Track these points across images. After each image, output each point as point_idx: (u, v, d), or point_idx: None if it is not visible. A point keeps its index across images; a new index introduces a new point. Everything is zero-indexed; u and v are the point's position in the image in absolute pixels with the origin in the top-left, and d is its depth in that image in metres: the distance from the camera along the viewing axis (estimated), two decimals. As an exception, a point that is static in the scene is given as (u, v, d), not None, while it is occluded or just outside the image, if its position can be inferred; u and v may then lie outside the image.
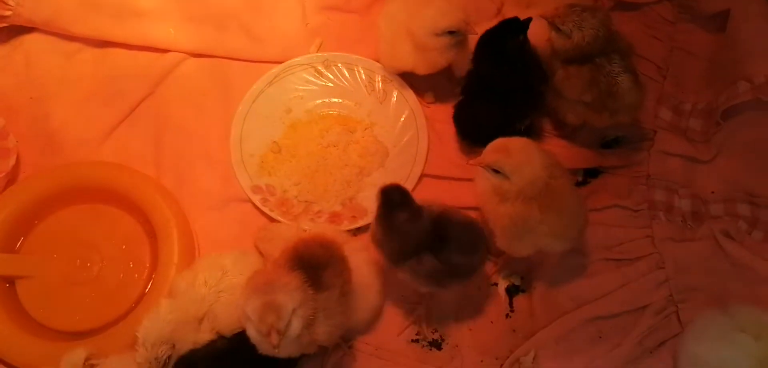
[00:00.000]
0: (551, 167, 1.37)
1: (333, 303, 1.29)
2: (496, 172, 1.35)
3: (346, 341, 1.51)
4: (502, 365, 1.51)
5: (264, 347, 1.23)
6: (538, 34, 1.57)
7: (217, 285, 1.43)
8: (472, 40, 1.61)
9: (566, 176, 1.43)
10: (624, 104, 1.55)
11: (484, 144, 1.39)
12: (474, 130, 1.65)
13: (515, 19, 1.53)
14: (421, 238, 1.34)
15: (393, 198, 1.33)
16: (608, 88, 1.53)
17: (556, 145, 1.74)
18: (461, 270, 1.39)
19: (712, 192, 1.69)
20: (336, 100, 1.80)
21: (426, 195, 1.66)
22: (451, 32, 1.59)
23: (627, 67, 1.55)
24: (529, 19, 1.52)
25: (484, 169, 1.37)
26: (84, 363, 1.35)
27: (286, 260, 1.30)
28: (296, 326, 1.20)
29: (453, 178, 1.69)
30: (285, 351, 1.26)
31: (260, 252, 1.55)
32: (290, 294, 1.19)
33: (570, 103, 1.60)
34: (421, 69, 1.71)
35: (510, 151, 1.34)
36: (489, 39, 1.57)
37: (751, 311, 1.42)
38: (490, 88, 1.60)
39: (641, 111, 1.65)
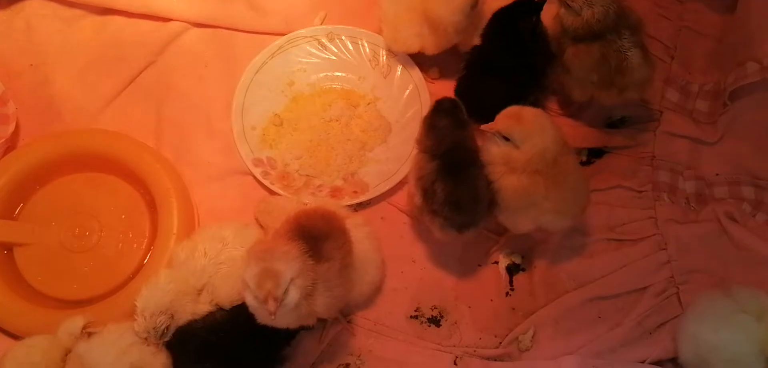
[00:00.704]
0: (561, 142, 1.35)
1: (333, 276, 1.28)
2: (506, 139, 1.33)
3: (344, 316, 1.50)
4: (500, 343, 1.51)
5: (262, 316, 1.23)
6: (546, 9, 1.55)
7: (216, 256, 1.43)
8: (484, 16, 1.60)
9: (572, 154, 1.41)
10: (633, 80, 1.52)
11: (483, 119, 1.38)
12: (475, 105, 1.62)
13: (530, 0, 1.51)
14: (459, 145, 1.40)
15: (443, 105, 1.44)
16: (618, 64, 1.51)
17: (560, 124, 1.70)
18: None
19: (717, 175, 1.68)
20: (339, 73, 1.78)
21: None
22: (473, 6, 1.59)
23: (637, 42, 1.53)
24: (544, 0, 1.50)
25: (493, 135, 1.35)
26: (82, 331, 1.35)
27: (287, 229, 1.29)
28: (294, 295, 1.19)
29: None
30: (283, 321, 1.25)
31: (260, 225, 1.54)
32: (289, 263, 1.18)
33: (577, 80, 1.58)
34: (431, 48, 1.69)
35: (522, 118, 1.33)
36: (502, 17, 1.55)
37: (753, 293, 1.42)
38: (495, 65, 1.57)
39: (650, 88, 1.62)
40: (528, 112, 1.35)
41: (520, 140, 1.33)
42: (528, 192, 1.35)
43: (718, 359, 1.37)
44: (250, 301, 1.21)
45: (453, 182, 1.38)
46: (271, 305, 1.16)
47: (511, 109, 1.36)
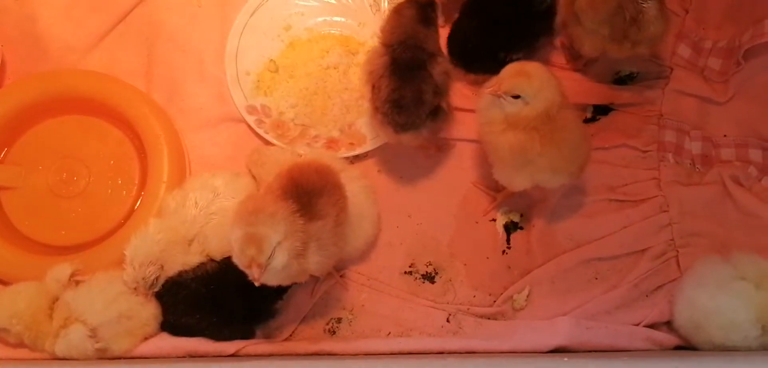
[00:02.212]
0: (561, 93, 1.31)
1: (326, 234, 1.25)
2: (515, 97, 1.28)
3: (337, 270, 1.48)
4: (495, 301, 1.50)
5: (250, 275, 1.20)
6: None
7: (207, 206, 1.41)
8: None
9: (571, 109, 1.36)
10: (647, 35, 1.45)
11: (470, 67, 1.32)
12: (464, 51, 1.56)
13: None
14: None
15: None
16: (634, 15, 1.43)
17: (566, 78, 1.63)
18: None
19: (725, 136, 1.63)
20: (338, 18, 1.70)
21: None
22: None
23: None
24: None
25: (501, 97, 1.29)
26: (69, 279, 1.34)
27: (279, 185, 1.25)
28: (281, 259, 1.17)
29: (457, 108, 1.62)
30: (272, 280, 1.23)
31: (253, 176, 1.50)
32: (275, 226, 1.15)
33: (589, 31, 1.50)
34: None
35: (530, 74, 1.28)
36: None
37: (753, 259, 1.40)
38: (490, 13, 1.52)
39: (663, 44, 1.55)
40: (533, 67, 1.30)
41: (531, 96, 1.28)
42: (524, 149, 1.31)
43: (712, 325, 1.36)
44: (237, 262, 1.19)
45: (398, 80, 1.37)
46: (255, 271, 1.14)
47: (515, 66, 1.30)
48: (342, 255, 1.40)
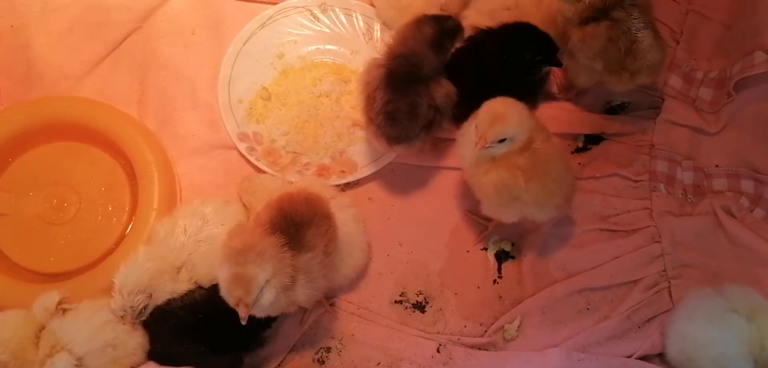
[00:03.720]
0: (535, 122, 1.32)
1: (315, 266, 1.24)
2: (501, 141, 1.29)
3: (327, 299, 1.48)
4: (486, 331, 1.49)
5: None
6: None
7: (197, 234, 1.40)
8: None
9: (552, 141, 1.36)
10: (645, 64, 1.44)
11: (459, 119, 1.35)
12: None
13: (546, 38, 1.46)
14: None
15: (447, 22, 1.45)
16: (628, 46, 1.43)
17: (557, 108, 1.67)
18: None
19: (717, 166, 1.63)
20: (331, 47, 1.71)
21: (419, 151, 1.59)
22: None
23: (647, 22, 1.44)
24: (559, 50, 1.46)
25: (488, 147, 1.29)
26: (57, 307, 1.33)
27: (267, 217, 1.25)
28: (269, 296, 1.17)
29: (450, 139, 1.62)
30: (260, 313, 1.23)
31: (243, 204, 1.50)
32: (262, 265, 1.15)
33: (584, 67, 1.50)
34: None
35: (505, 115, 1.28)
36: (513, 40, 1.49)
37: (745, 292, 1.39)
38: (484, 71, 1.51)
39: (662, 72, 1.55)
40: (502, 106, 1.30)
41: (515, 133, 1.29)
42: (508, 187, 1.31)
43: (704, 357, 1.34)
44: (225, 299, 1.18)
45: (393, 92, 1.37)
46: (242, 311, 1.14)
47: (488, 114, 1.29)
48: (331, 284, 1.39)
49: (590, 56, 1.46)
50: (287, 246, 1.20)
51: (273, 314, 1.28)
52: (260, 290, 1.15)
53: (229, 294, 1.15)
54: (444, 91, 1.41)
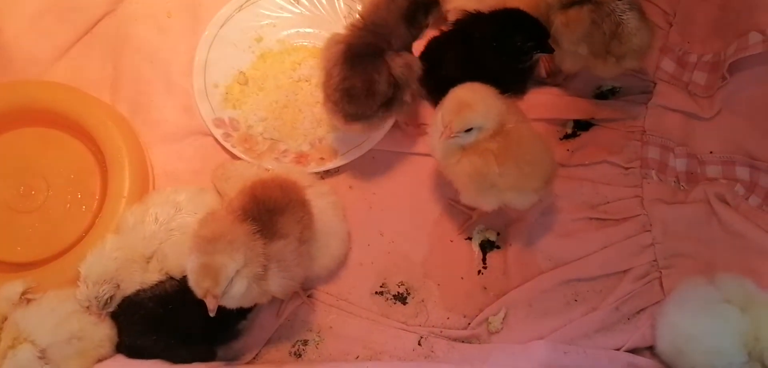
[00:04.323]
0: (502, 101, 1.26)
1: (288, 254, 1.19)
2: (468, 130, 1.24)
3: (305, 290, 1.42)
4: (469, 324, 1.43)
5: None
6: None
7: (168, 222, 1.35)
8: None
9: (526, 122, 1.31)
10: (631, 47, 1.39)
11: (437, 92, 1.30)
12: (441, 86, 1.48)
13: (537, 23, 1.42)
14: None
15: None
16: (612, 30, 1.37)
17: (545, 94, 1.61)
18: None
19: (711, 153, 1.57)
20: (311, 30, 1.65)
21: (401, 138, 1.55)
22: None
23: (633, 4, 1.39)
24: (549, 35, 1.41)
25: (455, 137, 1.24)
26: (21, 297, 1.28)
27: (239, 204, 1.20)
28: (240, 287, 1.12)
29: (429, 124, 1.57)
30: (232, 304, 1.18)
31: (218, 191, 1.45)
32: (232, 256, 1.10)
33: (568, 52, 1.45)
34: None
35: (472, 104, 1.23)
36: (505, 23, 1.44)
37: (738, 281, 1.34)
38: (475, 56, 1.46)
39: (649, 56, 1.49)
40: (469, 93, 1.24)
41: (483, 120, 1.24)
42: (482, 173, 1.26)
43: (695, 350, 1.29)
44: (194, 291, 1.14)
45: (350, 69, 1.33)
46: (210, 303, 1.10)
47: (454, 102, 1.24)
48: (308, 274, 1.34)
49: (574, 41, 1.40)
50: (259, 234, 1.15)
51: (245, 305, 1.22)
52: (230, 281, 1.11)
53: (196, 285, 1.11)
54: (402, 60, 1.36)
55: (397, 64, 1.35)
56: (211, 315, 1.12)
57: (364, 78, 1.33)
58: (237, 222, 1.14)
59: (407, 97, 1.37)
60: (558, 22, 1.40)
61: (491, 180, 1.27)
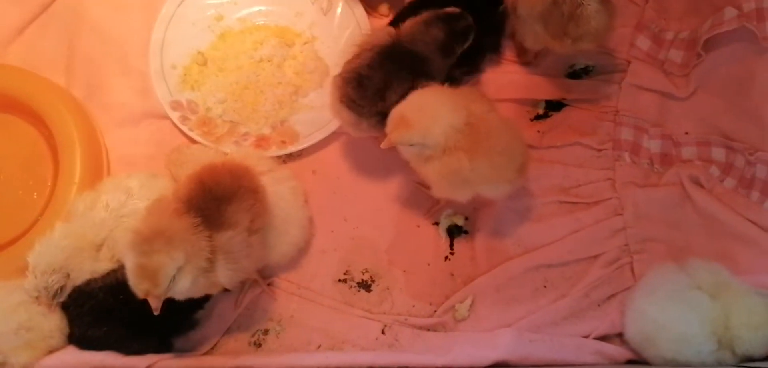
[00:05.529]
0: (466, 107, 1.20)
1: (236, 244, 1.14)
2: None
3: (264, 278, 1.38)
4: (435, 311, 1.39)
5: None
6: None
7: (119, 209, 1.31)
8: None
9: (494, 112, 1.25)
10: (587, 30, 1.32)
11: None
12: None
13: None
14: None
15: (460, 18, 1.34)
16: (571, 10, 1.31)
17: (515, 73, 1.56)
18: None
19: (686, 133, 1.52)
20: (273, 7, 1.59)
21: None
22: None
23: None
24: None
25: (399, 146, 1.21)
26: (-33, 288, 1.23)
27: (186, 191, 1.15)
28: (184, 283, 1.08)
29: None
30: (181, 297, 1.13)
31: (173, 177, 1.40)
32: (171, 254, 1.05)
33: (528, 26, 1.39)
34: None
35: (409, 121, 1.18)
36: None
37: (709, 267, 1.30)
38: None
39: (609, 37, 1.44)
40: (411, 108, 1.19)
41: (421, 139, 1.19)
42: (453, 172, 1.21)
43: (664, 338, 1.26)
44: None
45: (380, 62, 1.28)
46: (153, 303, 1.05)
47: (394, 114, 1.19)
48: (266, 263, 1.30)
49: (532, 17, 1.35)
50: (203, 226, 1.10)
51: (196, 296, 1.18)
52: (172, 278, 1.06)
53: (135, 286, 1.06)
54: None
55: None
56: (155, 314, 1.08)
57: (385, 79, 1.28)
58: (176, 216, 1.09)
59: None
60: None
61: (464, 176, 1.22)
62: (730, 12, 1.44)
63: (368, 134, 1.35)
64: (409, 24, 1.35)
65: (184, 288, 1.10)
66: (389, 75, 1.28)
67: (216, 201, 1.14)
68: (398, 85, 1.28)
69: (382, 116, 1.27)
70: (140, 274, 1.05)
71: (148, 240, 1.05)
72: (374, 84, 1.28)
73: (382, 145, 1.22)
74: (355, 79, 1.29)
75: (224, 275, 1.15)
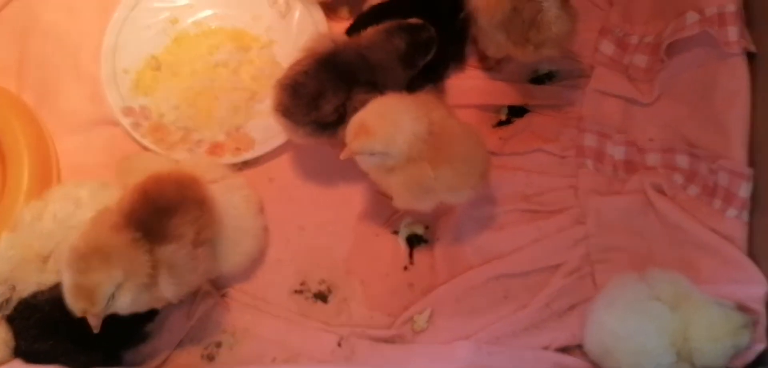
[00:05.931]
0: (427, 115, 1.17)
1: (180, 258, 1.12)
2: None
3: (217, 289, 1.35)
4: (393, 323, 1.37)
5: None
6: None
7: (67, 219, 1.28)
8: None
9: (454, 118, 1.23)
10: (548, 36, 1.30)
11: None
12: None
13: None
14: None
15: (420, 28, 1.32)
16: (532, 16, 1.29)
17: (477, 78, 1.53)
18: None
19: (651, 140, 1.49)
20: (229, 11, 1.56)
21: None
22: None
23: None
24: None
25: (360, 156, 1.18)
26: None
27: (128, 203, 1.13)
28: (125, 299, 1.06)
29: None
30: (124, 312, 1.11)
31: (123, 186, 1.36)
32: (109, 273, 1.03)
33: (490, 35, 1.37)
34: None
35: (370, 129, 1.14)
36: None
37: (670, 277, 1.27)
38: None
39: (572, 42, 1.41)
40: (372, 115, 1.16)
41: (383, 149, 1.15)
42: (417, 182, 1.19)
43: (622, 349, 1.23)
44: None
45: (316, 69, 1.26)
46: (93, 322, 1.03)
47: (354, 123, 1.16)
48: (213, 275, 1.27)
49: (491, 25, 1.32)
50: (144, 239, 1.08)
51: (139, 310, 1.15)
52: (111, 296, 1.04)
53: (72, 305, 1.04)
54: (363, 101, 1.25)
55: (357, 101, 1.25)
56: (95, 332, 1.05)
57: (318, 88, 1.25)
58: (115, 231, 1.06)
59: (343, 133, 1.26)
60: (477, 2, 1.32)
61: (427, 185, 1.19)
62: (691, 17, 1.42)
63: (307, 141, 1.32)
64: (370, 32, 1.32)
65: (125, 305, 1.07)
66: (324, 84, 1.25)
67: (158, 213, 1.12)
68: (333, 95, 1.25)
69: (317, 125, 1.24)
70: (76, 293, 1.02)
71: (85, 257, 1.03)
72: (309, 92, 1.25)
73: (342, 156, 1.19)
74: (290, 86, 1.26)
75: (168, 289, 1.12)
